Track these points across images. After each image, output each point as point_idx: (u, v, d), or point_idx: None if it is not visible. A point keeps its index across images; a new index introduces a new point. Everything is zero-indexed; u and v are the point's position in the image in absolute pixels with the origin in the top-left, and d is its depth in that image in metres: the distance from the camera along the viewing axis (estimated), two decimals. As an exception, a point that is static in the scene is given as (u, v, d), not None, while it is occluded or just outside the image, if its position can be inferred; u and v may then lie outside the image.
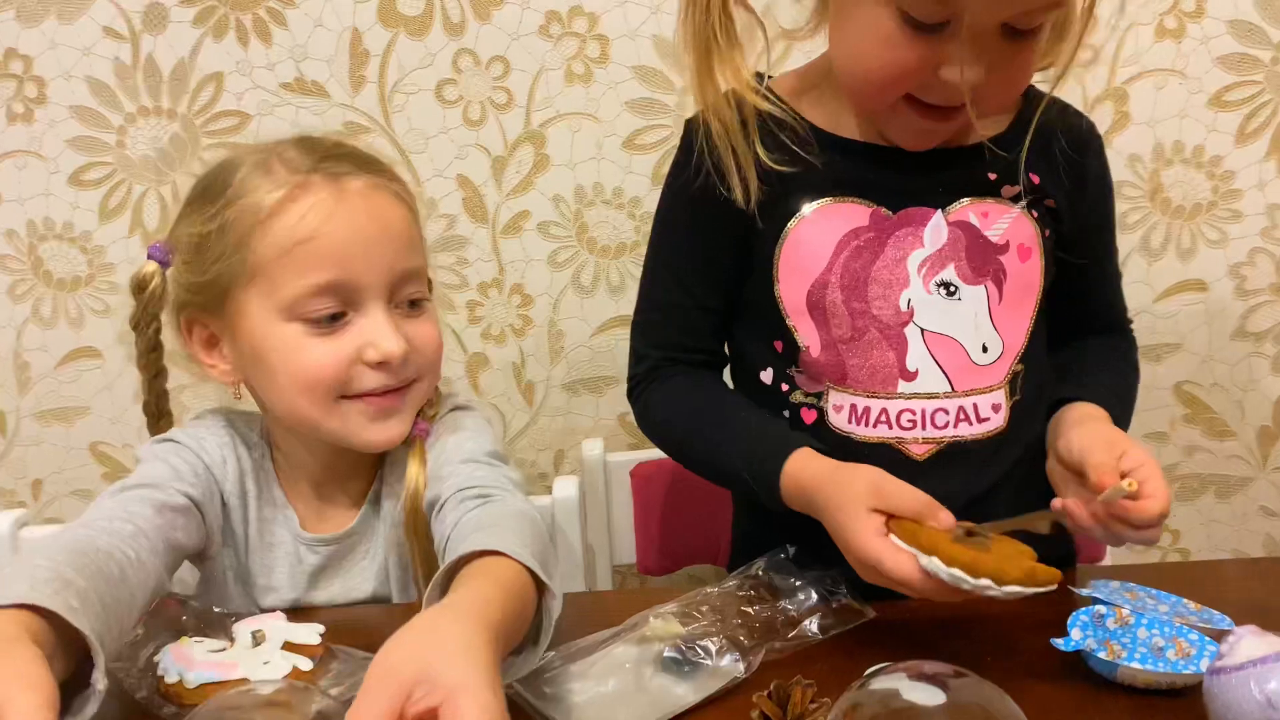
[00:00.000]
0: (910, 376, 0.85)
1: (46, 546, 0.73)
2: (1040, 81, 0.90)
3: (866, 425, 0.86)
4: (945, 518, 0.72)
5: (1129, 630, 0.71)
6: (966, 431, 0.86)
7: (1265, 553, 1.37)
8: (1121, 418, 0.88)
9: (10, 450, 1.38)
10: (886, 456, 0.85)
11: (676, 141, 0.93)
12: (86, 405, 1.36)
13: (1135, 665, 0.67)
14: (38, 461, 1.38)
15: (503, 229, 1.31)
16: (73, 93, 1.27)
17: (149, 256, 0.90)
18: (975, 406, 0.86)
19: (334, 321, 0.83)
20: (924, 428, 0.85)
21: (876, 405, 0.86)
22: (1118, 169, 1.26)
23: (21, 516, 1.05)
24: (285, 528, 0.92)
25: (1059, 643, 0.70)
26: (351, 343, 0.83)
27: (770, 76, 0.91)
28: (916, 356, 0.85)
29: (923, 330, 0.86)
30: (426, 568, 0.90)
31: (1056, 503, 0.77)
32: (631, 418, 1.33)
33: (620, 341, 1.33)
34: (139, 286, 0.90)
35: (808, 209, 0.86)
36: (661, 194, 0.96)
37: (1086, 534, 0.77)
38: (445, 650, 0.59)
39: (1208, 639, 0.68)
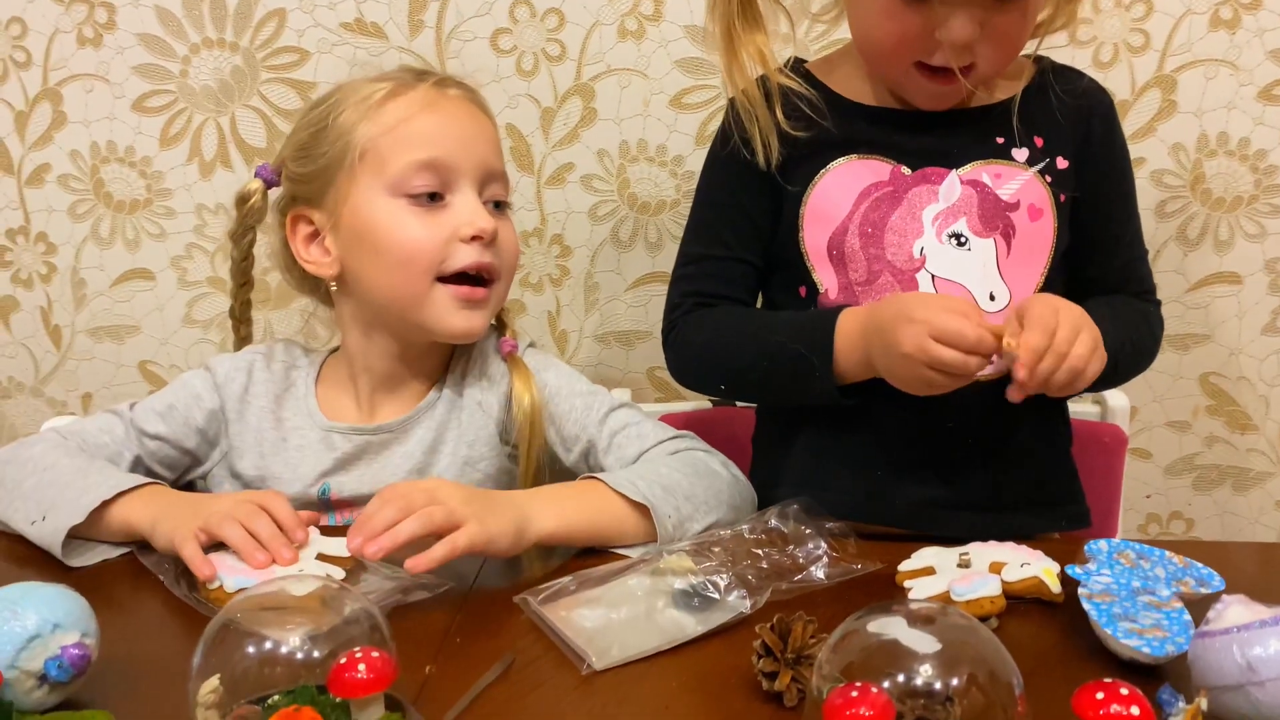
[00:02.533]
0: None
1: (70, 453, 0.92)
2: (1058, 47, 0.98)
3: None
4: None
5: (1136, 596, 0.73)
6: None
7: (1278, 547, 1.38)
8: (1108, 329, 0.85)
9: (64, 363, 1.44)
10: (890, 392, 0.89)
11: (723, 102, 0.98)
12: (138, 325, 1.42)
13: (1098, 621, 0.69)
14: (89, 376, 1.44)
15: (547, 179, 1.34)
16: (141, 20, 1.31)
17: (256, 174, 1.00)
18: None
19: (433, 201, 0.93)
20: None
21: None
22: (1160, 157, 1.27)
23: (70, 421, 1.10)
24: (312, 426, 0.98)
25: (1070, 568, 0.76)
26: (449, 222, 0.93)
27: (805, 61, 1.01)
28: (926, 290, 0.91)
29: (933, 276, 0.91)
30: (534, 481, 0.98)
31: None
32: (660, 372, 1.37)
33: (654, 298, 1.36)
34: (242, 200, 1.00)
35: (833, 165, 0.94)
36: (703, 165, 1.03)
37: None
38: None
39: (1189, 628, 0.69)
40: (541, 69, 1.30)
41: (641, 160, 1.32)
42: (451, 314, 0.93)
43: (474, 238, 0.92)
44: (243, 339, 1.10)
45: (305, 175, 0.95)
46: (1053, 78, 0.95)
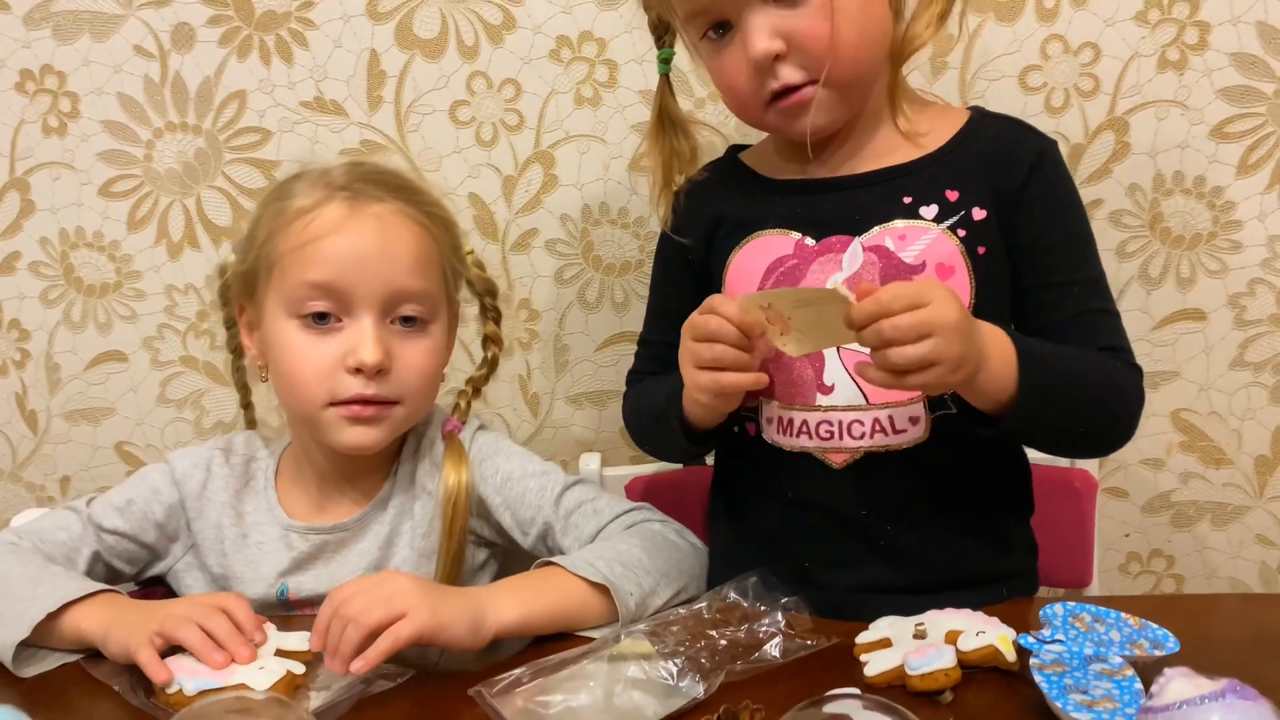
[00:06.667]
0: (827, 390, 0.91)
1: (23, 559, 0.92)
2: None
3: (790, 435, 0.93)
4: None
5: (1088, 664, 0.73)
6: (883, 442, 0.90)
7: (1260, 581, 1.37)
8: (1036, 354, 0.83)
9: (41, 447, 1.44)
10: (809, 465, 0.93)
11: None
12: (112, 406, 1.42)
13: (1049, 694, 0.69)
14: (66, 459, 1.45)
15: (512, 246, 1.35)
16: (104, 108, 1.33)
17: (232, 249, 1.00)
18: (891, 419, 0.90)
19: (322, 321, 0.91)
20: (841, 438, 0.91)
21: (799, 417, 0.92)
22: (1117, 198, 1.28)
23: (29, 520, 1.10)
24: (272, 522, 0.99)
25: (1023, 638, 0.75)
26: (338, 347, 0.91)
27: (741, 149, 1.06)
28: (833, 371, 0.91)
29: (839, 347, 0.90)
30: (452, 568, 0.97)
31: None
32: (632, 431, 1.38)
33: (623, 358, 1.37)
34: (220, 272, 1.01)
35: (744, 243, 0.96)
36: None
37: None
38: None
39: (1140, 697, 0.68)
40: (501, 139, 1.31)
41: (604, 223, 1.33)
42: (342, 431, 0.92)
43: (357, 370, 0.90)
44: (246, 405, 1.09)
45: (239, 271, 0.96)
46: (980, 126, 0.94)
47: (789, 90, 0.87)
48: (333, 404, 0.91)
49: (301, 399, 0.92)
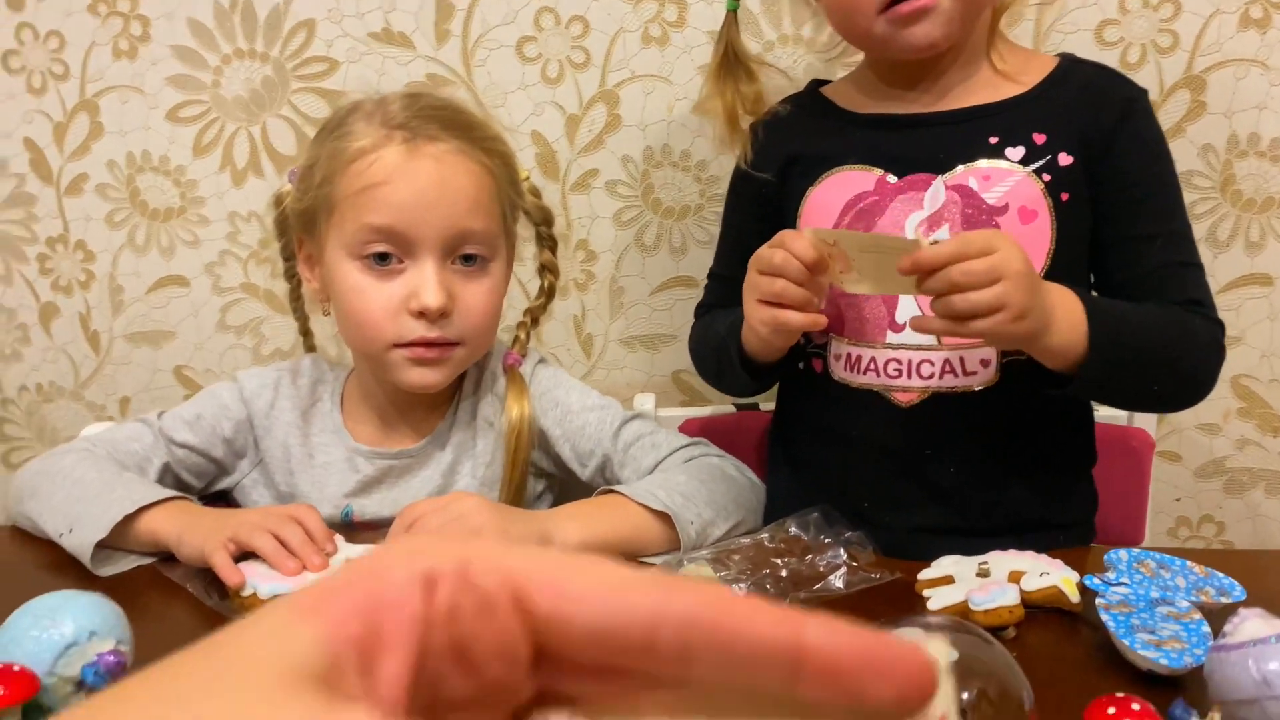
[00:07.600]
0: (899, 328, 0.91)
1: (99, 464, 0.94)
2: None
3: (858, 373, 0.93)
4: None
5: (1154, 606, 0.73)
6: (951, 383, 0.90)
7: (1312, 552, 1.37)
8: (1105, 313, 0.82)
9: (103, 368, 1.47)
10: (875, 403, 0.93)
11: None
12: (173, 330, 1.45)
13: (1115, 632, 0.69)
14: (127, 380, 1.47)
15: (572, 185, 1.35)
16: (174, 33, 1.34)
17: (288, 178, 1.00)
18: (962, 360, 0.90)
19: (383, 262, 0.90)
20: (909, 377, 0.91)
21: (867, 354, 0.93)
22: (1189, 158, 1.25)
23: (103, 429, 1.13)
24: (338, 444, 1.00)
25: (1088, 579, 0.76)
26: (400, 290, 0.91)
27: (823, 83, 1.05)
28: (906, 309, 0.90)
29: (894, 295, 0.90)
30: (515, 498, 0.99)
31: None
32: (685, 375, 1.39)
33: (678, 302, 1.37)
34: (276, 201, 1.01)
35: (824, 177, 0.95)
36: None
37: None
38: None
39: (1208, 640, 0.68)
40: (566, 76, 1.31)
41: (665, 165, 1.33)
42: (405, 371, 0.93)
43: (420, 313, 0.90)
44: (305, 333, 1.11)
45: (299, 208, 0.96)
46: (1070, 72, 0.92)
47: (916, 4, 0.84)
48: (397, 345, 0.92)
49: (366, 339, 0.93)
